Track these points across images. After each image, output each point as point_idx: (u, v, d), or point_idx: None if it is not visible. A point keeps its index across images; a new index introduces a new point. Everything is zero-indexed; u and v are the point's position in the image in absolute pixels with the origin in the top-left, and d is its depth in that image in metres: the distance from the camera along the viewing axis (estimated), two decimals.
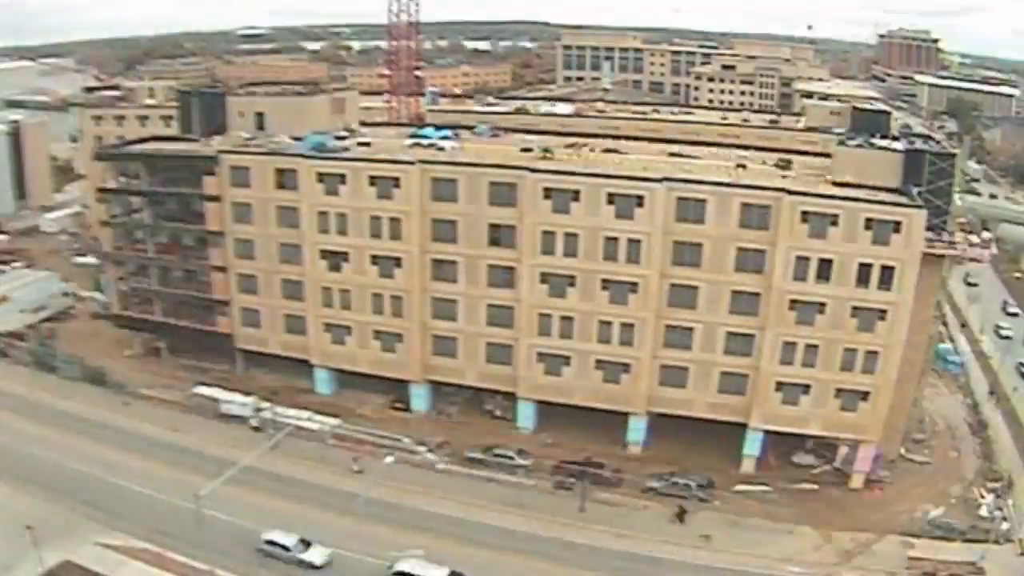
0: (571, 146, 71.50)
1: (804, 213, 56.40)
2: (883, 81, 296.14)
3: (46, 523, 50.75)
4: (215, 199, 69.03)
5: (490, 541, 53.57)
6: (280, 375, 73.30)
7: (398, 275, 66.20)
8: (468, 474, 60.97)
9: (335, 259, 67.51)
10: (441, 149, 69.49)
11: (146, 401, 70.68)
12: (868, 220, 55.51)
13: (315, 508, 55.70)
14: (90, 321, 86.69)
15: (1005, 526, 56.93)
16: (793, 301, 58.02)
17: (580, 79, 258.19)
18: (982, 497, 60.38)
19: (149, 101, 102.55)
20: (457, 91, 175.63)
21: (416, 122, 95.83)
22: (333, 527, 52.98)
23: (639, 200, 59.13)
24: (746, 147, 75.75)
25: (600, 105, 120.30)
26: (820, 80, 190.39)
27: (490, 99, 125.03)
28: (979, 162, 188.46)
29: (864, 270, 56.26)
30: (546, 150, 68.20)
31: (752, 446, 62.28)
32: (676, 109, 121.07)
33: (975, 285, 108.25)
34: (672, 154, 70.38)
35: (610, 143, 74.42)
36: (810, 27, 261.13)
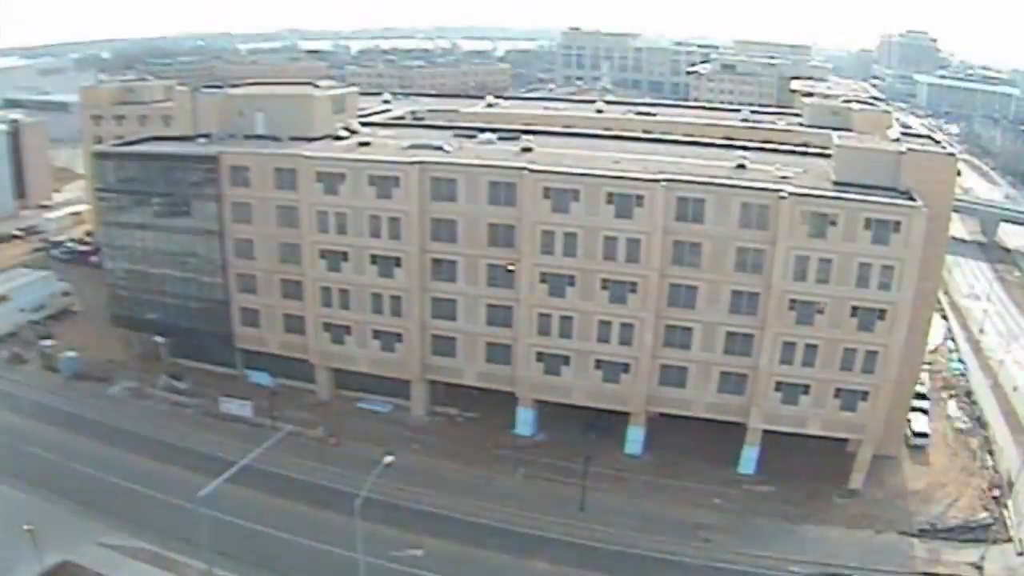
0: None
1: (804, 213, 56.41)
2: (883, 81, 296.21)
3: (46, 523, 50.72)
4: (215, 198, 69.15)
5: None
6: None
7: (397, 275, 66.17)
8: None
9: (334, 259, 67.52)
10: (439, 148, 69.34)
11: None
12: (868, 219, 55.48)
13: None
14: (90, 320, 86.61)
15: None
16: (793, 301, 57.98)
17: (580, 79, 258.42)
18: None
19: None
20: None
21: None
22: None
23: (639, 200, 59.13)
24: (746, 147, 75.55)
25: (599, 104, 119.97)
26: (820, 80, 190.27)
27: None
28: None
29: (864, 270, 56.27)
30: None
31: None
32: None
33: None
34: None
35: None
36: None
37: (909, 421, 66.80)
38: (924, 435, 67.34)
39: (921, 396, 71.19)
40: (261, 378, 73.21)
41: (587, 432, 66.01)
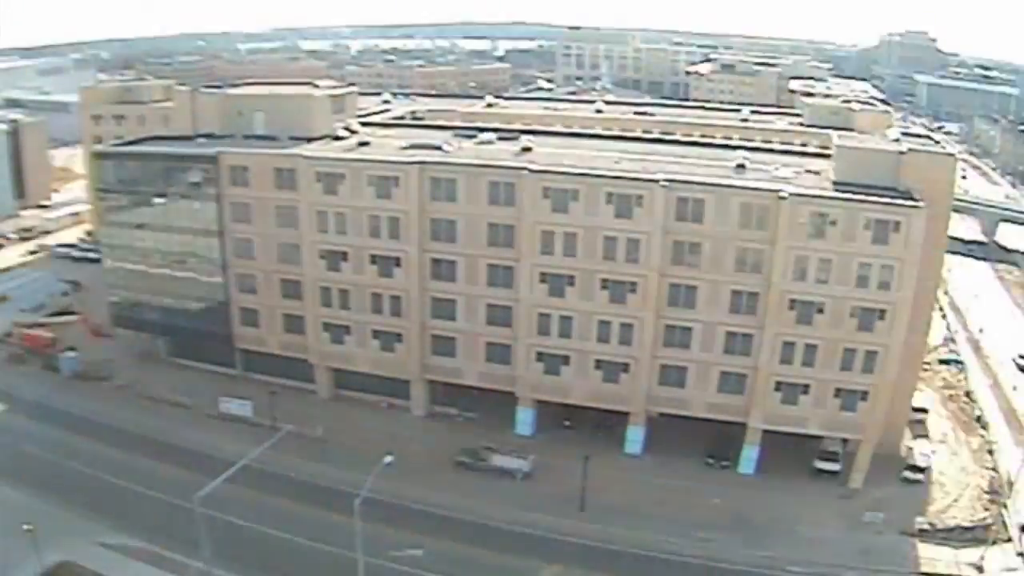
0: None
1: (803, 213, 56.32)
2: (883, 81, 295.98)
3: (46, 523, 50.71)
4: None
5: None
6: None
7: (397, 275, 66.17)
8: None
9: (334, 259, 67.49)
10: (439, 148, 69.36)
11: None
12: (868, 219, 55.46)
13: None
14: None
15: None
16: (793, 301, 57.99)
17: (579, 79, 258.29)
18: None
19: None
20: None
21: None
22: None
23: (638, 200, 59.12)
24: (745, 147, 75.51)
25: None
26: (820, 80, 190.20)
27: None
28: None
29: (864, 270, 56.26)
30: None
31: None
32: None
33: None
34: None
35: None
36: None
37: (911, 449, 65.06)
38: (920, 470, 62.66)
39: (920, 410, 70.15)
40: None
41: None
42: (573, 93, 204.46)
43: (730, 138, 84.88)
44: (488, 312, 65.31)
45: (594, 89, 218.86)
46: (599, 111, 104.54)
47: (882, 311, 56.85)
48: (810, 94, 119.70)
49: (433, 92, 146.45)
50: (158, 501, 55.41)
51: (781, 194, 56.78)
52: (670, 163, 65.00)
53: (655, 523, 56.41)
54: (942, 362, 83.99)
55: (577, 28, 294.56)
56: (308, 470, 61.06)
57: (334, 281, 68.10)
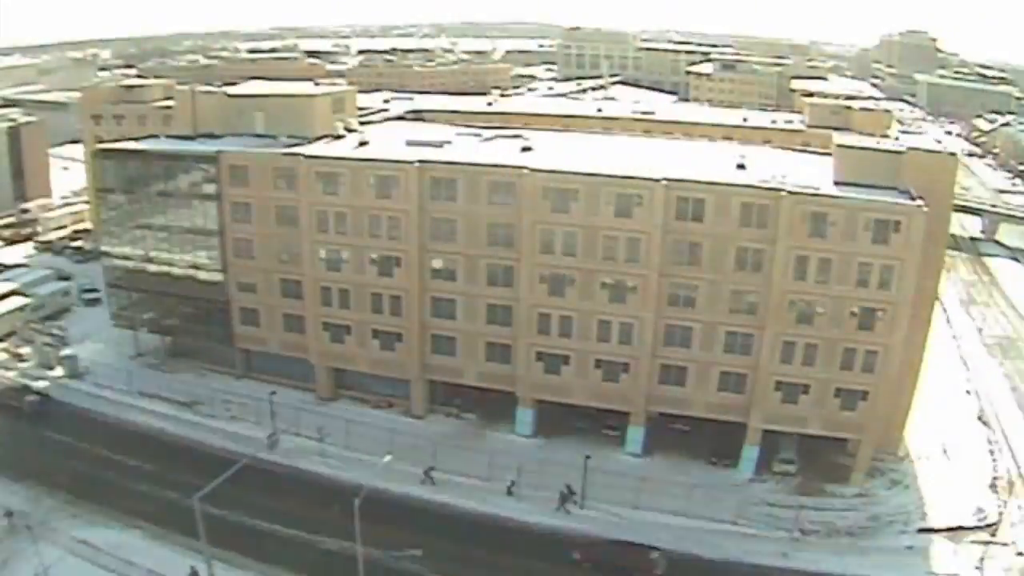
0: None
1: (804, 212, 56.37)
2: (883, 80, 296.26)
3: (45, 522, 50.75)
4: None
5: None
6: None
7: (397, 274, 66.17)
8: None
9: (334, 258, 67.42)
10: (439, 147, 69.34)
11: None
12: (868, 219, 55.44)
13: None
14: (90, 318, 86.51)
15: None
16: (793, 300, 57.98)
17: (580, 78, 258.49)
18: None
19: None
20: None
21: None
22: None
23: (639, 199, 59.10)
24: (746, 146, 75.54)
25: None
26: (820, 79, 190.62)
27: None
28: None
29: (864, 269, 56.24)
30: None
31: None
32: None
33: None
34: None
35: None
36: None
37: None
38: None
39: None
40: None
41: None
42: (583, 91, 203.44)
43: (730, 138, 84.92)
44: (488, 312, 65.27)
45: (602, 87, 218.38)
46: (599, 110, 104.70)
47: (882, 311, 56.84)
48: (810, 94, 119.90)
49: (433, 92, 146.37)
50: (158, 500, 55.22)
51: (781, 193, 56.78)
52: (670, 162, 64.93)
53: (654, 522, 56.24)
54: None
55: (577, 28, 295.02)
56: (307, 469, 60.88)
57: (334, 281, 68.09)
